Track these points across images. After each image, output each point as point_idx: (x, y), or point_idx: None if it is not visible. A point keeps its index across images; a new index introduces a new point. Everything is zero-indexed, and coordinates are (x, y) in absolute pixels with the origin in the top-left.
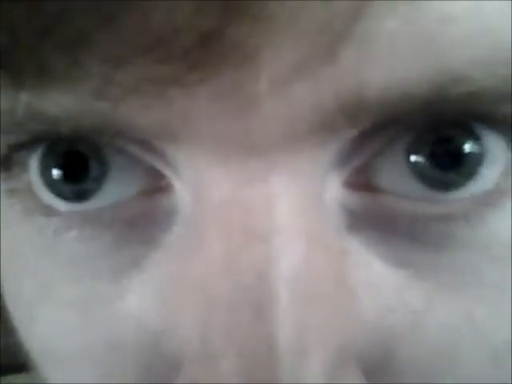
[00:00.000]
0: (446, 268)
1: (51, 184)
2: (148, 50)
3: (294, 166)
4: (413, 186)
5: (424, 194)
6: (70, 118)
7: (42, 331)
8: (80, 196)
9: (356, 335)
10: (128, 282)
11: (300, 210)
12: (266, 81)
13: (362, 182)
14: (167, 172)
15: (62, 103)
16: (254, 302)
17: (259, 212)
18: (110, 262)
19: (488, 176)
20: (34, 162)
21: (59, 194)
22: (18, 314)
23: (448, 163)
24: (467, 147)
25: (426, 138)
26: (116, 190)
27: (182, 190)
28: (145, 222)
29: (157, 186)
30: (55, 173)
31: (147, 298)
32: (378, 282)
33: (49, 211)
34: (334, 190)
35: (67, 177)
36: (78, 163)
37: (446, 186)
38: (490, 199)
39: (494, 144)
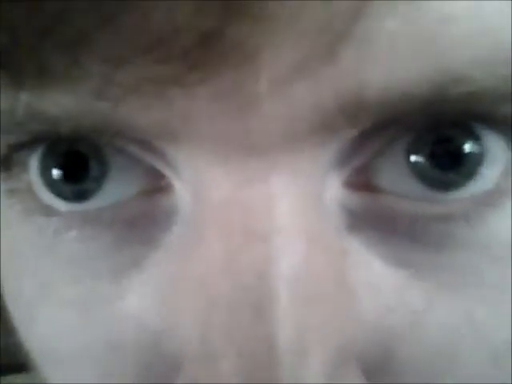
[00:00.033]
0: (446, 268)
1: (51, 184)
2: (148, 50)
3: (293, 166)
4: (413, 186)
5: (424, 194)
6: (70, 118)
7: (41, 331)
8: (80, 196)
9: (356, 335)
10: (128, 281)
11: (300, 210)
12: (265, 81)
13: (362, 181)
14: (167, 172)
15: (62, 103)
16: (254, 302)
17: (259, 212)
18: (109, 262)
19: (488, 176)
20: (34, 162)
21: (59, 193)
22: (17, 313)
23: (448, 163)
24: (467, 147)
25: (425, 138)
26: (116, 189)
27: (182, 190)
28: (145, 221)
29: (157, 185)
30: (55, 173)
31: (147, 297)
32: (377, 281)
33: (49, 211)
34: (333, 189)
35: (67, 177)
36: (77, 163)
37: (445, 186)
38: (490, 199)
39: (494, 144)
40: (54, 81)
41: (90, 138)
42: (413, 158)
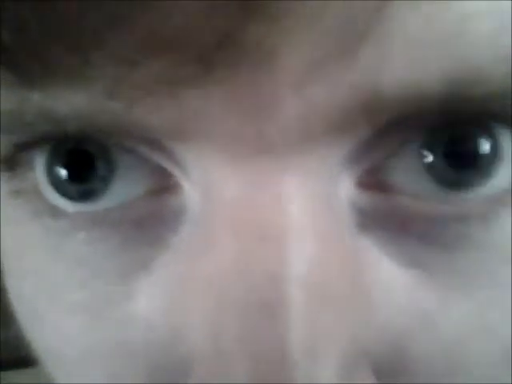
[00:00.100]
0: (459, 268)
1: (57, 184)
2: (162, 51)
3: (306, 166)
4: (427, 186)
5: (438, 194)
6: (81, 118)
7: (49, 333)
8: (87, 196)
9: (368, 335)
10: (136, 283)
11: (312, 210)
12: (283, 81)
13: (374, 181)
14: (175, 171)
15: (73, 103)
16: (266, 303)
17: (271, 212)
18: (117, 264)
19: (504, 175)
20: (39, 162)
21: (66, 194)
22: (23, 314)
23: (463, 162)
24: (482, 146)
25: (440, 137)
26: (123, 189)
27: (191, 190)
28: (153, 222)
29: (165, 185)
30: (62, 173)
31: (156, 299)
32: (389, 281)
33: (56, 212)
34: (346, 190)
35: (74, 176)
36: (84, 163)
37: (460, 185)
38: (505, 199)
39: (509, 143)
40: (65, 80)
41: (98, 137)
42: (427, 157)
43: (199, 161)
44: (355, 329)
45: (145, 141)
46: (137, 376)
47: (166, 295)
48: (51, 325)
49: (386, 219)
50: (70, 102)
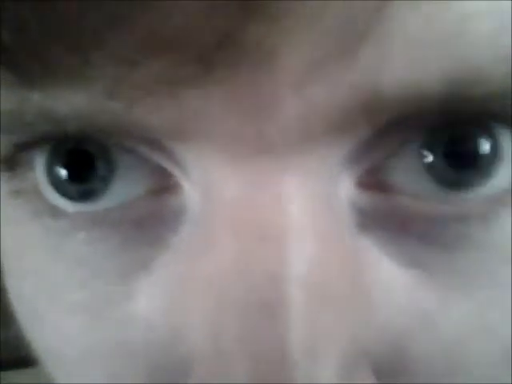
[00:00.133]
0: (459, 268)
1: (57, 184)
2: (162, 51)
3: (306, 167)
4: (427, 186)
5: (438, 194)
6: (81, 118)
7: (49, 333)
8: (87, 196)
9: (368, 335)
10: (136, 283)
11: (312, 210)
12: (283, 81)
13: (374, 181)
14: (175, 171)
15: (73, 102)
16: (266, 303)
17: (271, 212)
18: (117, 264)
19: (504, 175)
20: (39, 162)
21: (66, 194)
22: (23, 314)
23: (463, 162)
24: (482, 146)
25: (440, 137)
26: (123, 189)
27: (191, 190)
28: (153, 222)
29: (165, 185)
30: (62, 173)
31: (156, 299)
32: (389, 281)
33: (56, 212)
34: (346, 190)
35: (73, 176)
36: (84, 163)
37: (460, 185)
38: (506, 199)
39: (509, 143)
40: (65, 80)
41: (98, 137)
42: (427, 157)
43: (199, 161)
44: (355, 329)
45: (145, 141)
46: (137, 376)
47: (166, 295)
48: (51, 325)
49: (386, 219)
50: (70, 102)
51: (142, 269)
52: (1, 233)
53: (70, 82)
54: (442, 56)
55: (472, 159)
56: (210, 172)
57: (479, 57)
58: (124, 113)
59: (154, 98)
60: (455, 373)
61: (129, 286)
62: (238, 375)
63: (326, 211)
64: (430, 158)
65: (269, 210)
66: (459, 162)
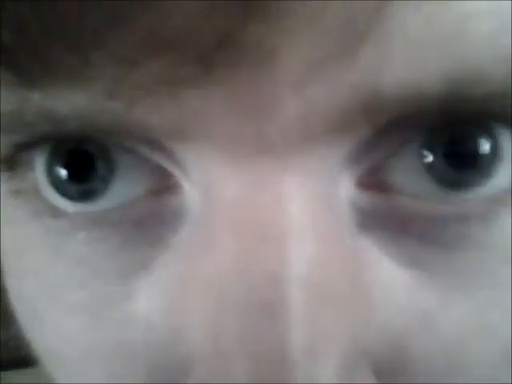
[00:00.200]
0: (459, 268)
1: (57, 184)
2: (162, 51)
3: (306, 167)
4: (427, 186)
5: (438, 194)
6: (81, 118)
7: (49, 333)
8: (87, 196)
9: (368, 335)
10: (136, 283)
11: (312, 210)
12: (283, 81)
13: (374, 181)
14: (175, 171)
15: (73, 102)
16: (266, 303)
17: (271, 212)
18: (117, 264)
19: (504, 175)
20: (39, 162)
21: (66, 194)
22: (23, 314)
23: (463, 162)
24: (482, 146)
25: (440, 137)
26: (123, 189)
27: (191, 190)
28: (153, 222)
29: (165, 185)
30: (62, 173)
31: (156, 299)
32: (389, 282)
33: (56, 212)
34: (346, 189)
35: (73, 176)
36: (84, 163)
37: (460, 185)
38: (506, 199)
39: (509, 143)
40: (65, 80)
41: (98, 137)
42: (427, 157)
43: (199, 161)
44: (355, 329)
45: (145, 141)
46: (137, 376)
47: (166, 295)
48: (51, 325)
49: (386, 219)
50: (70, 102)
51: (142, 269)
52: (1, 233)
53: (70, 82)
54: (442, 56)
55: (472, 159)
56: (210, 172)
57: (479, 57)
58: (124, 113)
59: (154, 98)
60: (455, 373)
61: (129, 286)
62: (238, 375)
63: (326, 211)
64: (430, 158)
65: (269, 210)
66: (459, 161)
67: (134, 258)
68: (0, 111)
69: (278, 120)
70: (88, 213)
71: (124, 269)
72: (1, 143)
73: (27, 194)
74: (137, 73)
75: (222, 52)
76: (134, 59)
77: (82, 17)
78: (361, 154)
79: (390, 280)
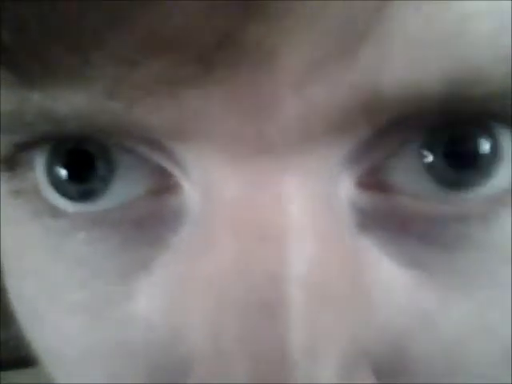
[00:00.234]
0: (459, 268)
1: (57, 184)
2: (162, 51)
3: (306, 167)
4: (427, 186)
5: (438, 194)
6: (81, 118)
7: (49, 333)
8: (87, 196)
9: (368, 335)
10: (136, 283)
11: (312, 210)
12: (283, 81)
13: (374, 181)
14: (175, 171)
15: (73, 102)
16: (266, 303)
17: (271, 212)
18: (117, 264)
19: (504, 175)
20: (39, 162)
21: (66, 194)
22: (23, 314)
23: (463, 162)
24: (482, 146)
25: (440, 137)
26: (123, 189)
27: (191, 190)
28: (153, 222)
29: (165, 185)
30: (62, 173)
31: (156, 299)
32: (389, 282)
33: (56, 212)
34: (346, 189)
35: (73, 176)
36: (84, 163)
37: (460, 185)
38: (506, 199)
39: (509, 143)
40: (65, 80)
41: (98, 137)
42: (427, 157)
43: (199, 161)
44: (355, 329)
45: (145, 141)
46: (137, 376)
47: (166, 295)
48: (51, 325)
49: (386, 219)
50: (70, 102)
51: (142, 269)
52: (1, 233)
53: (70, 82)
54: (442, 56)
55: (472, 159)
56: (210, 172)
57: (479, 57)
58: (124, 113)
59: (154, 98)
60: (455, 373)
61: (129, 286)
62: (238, 375)
63: (326, 211)
64: (430, 158)
65: (269, 210)
66: (459, 161)
67: (134, 258)
68: (0, 111)
69: (278, 120)
70: (88, 213)
71: (124, 269)
72: (1, 143)
73: (27, 193)
74: (137, 73)
75: (222, 52)
76: (133, 59)
77: (82, 17)
78: (361, 153)
79: (390, 280)
